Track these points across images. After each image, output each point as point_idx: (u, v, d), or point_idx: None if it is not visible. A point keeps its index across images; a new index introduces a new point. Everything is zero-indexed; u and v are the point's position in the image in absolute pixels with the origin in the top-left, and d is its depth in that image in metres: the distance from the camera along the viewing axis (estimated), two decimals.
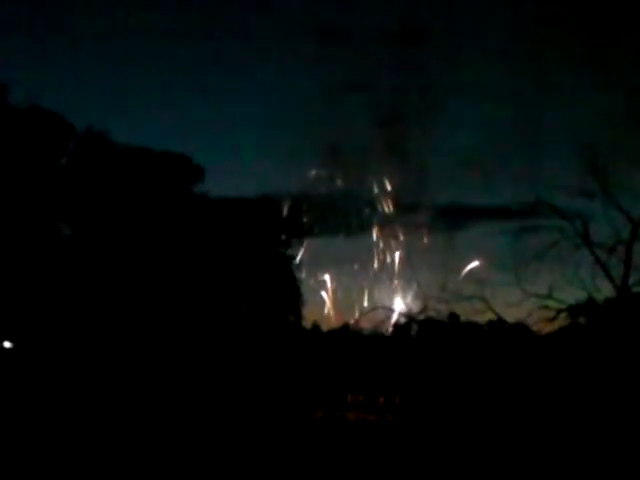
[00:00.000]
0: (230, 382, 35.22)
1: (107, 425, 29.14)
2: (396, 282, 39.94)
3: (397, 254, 40.49)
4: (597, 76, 38.72)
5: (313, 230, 39.92)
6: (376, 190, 40.79)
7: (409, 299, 39.47)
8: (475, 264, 37.28)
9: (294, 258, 40.11)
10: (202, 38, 51.49)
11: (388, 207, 40.78)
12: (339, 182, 40.55)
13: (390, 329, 38.78)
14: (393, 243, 40.64)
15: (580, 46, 39.05)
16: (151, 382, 33.99)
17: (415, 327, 38.62)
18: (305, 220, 40.07)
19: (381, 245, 40.79)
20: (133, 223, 36.25)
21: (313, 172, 40.25)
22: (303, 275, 40.70)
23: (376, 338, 38.28)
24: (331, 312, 39.52)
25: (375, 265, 40.74)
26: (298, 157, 40.24)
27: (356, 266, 40.85)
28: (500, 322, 37.62)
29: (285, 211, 39.28)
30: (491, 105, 41.56)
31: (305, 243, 40.16)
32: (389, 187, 41.14)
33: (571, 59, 38.46)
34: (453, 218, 41.41)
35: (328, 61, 41.74)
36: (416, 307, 39.12)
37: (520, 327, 37.64)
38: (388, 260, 40.72)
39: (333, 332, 40.17)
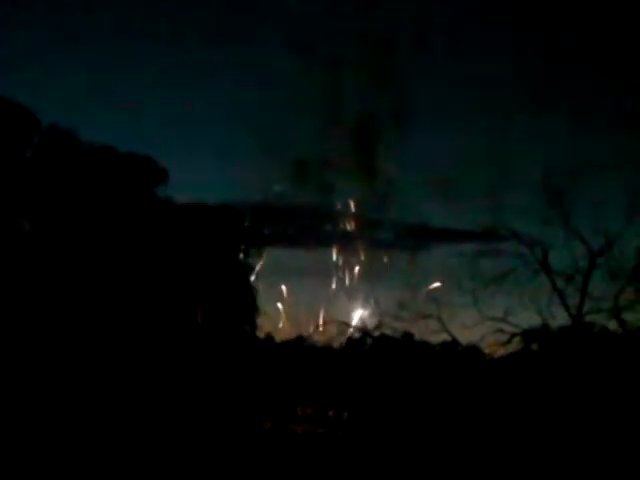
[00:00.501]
0: (179, 389, 35.18)
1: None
2: (353, 298, 39.98)
3: (356, 270, 40.60)
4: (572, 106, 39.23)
5: (273, 241, 39.86)
6: (339, 206, 40.93)
7: (366, 315, 39.66)
8: (436, 285, 37.30)
9: (252, 268, 40.11)
10: (174, 39, 51.00)
11: (350, 224, 40.97)
12: (302, 196, 40.54)
13: (344, 343, 38.81)
14: (353, 260, 40.71)
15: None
16: (96, 386, 33.77)
17: (369, 342, 38.78)
18: (266, 231, 40.08)
19: (341, 261, 40.80)
20: (93, 222, 36.17)
21: (277, 186, 40.26)
22: (260, 286, 40.55)
23: (329, 351, 38.50)
24: (286, 324, 39.63)
25: (334, 280, 40.81)
26: (263, 168, 40.25)
27: (314, 280, 40.99)
28: (454, 343, 38.24)
29: (246, 221, 39.25)
30: (461, 129, 41.74)
31: (264, 254, 40.27)
32: (353, 205, 41.27)
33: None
34: (416, 238, 41.87)
35: (298, 72, 41.48)
36: (372, 323, 39.25)
37: (473, 350, 38.35)
38: (347, 276, 40.73)
39: (286, 344, 40.30)
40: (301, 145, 41.01)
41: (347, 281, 40.54)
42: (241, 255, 39.76)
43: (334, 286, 40.63)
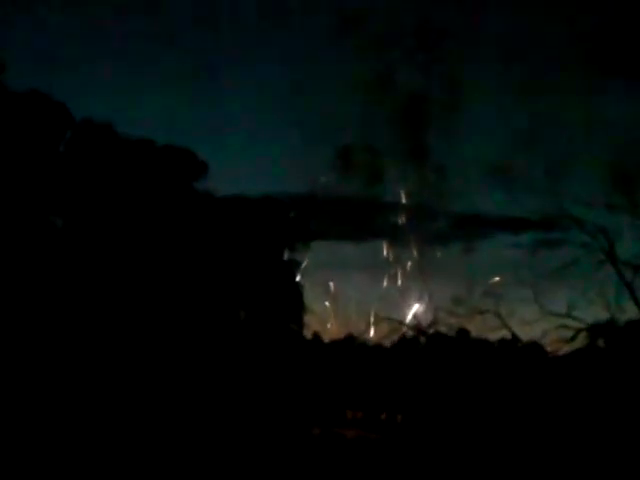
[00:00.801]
0: (225, 393, 33.55)
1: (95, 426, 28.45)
2: (406, 294, 37.87)
3: (409, 264, 38.44)
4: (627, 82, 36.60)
5: (320, 235, 37.90)
6: (389, 197, 38.77)
7: (419, 312, 37.51)
8: (494, 279, 35.12)
9: (298, 264, 38.52)
10: (210, 32, 49.13)
11: (401, 215, 38.83)
12: (351, 187, 38.44)
13: (396, 342, 36.80)
14: (405, 253, 38.57)
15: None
16: (142, 387, 32.67)
17: (423, 341, 36.75)
18: (312, 224, 38.20)
19: (392, 255, 38.66)
20: (130, 218, 34.71)
21: (323, 176, 38.23)
22: (307, 282, 38.99)
23: (381, 351, 36.56)
24: (334, 322, 37.67)
25: (385, 276, 38.71)
26: (308, 157, 38.29)
27: (365, 275, 38.89)
28: (513, 340, 36.06)
29: (291, 214, 37.46)
30: (518, 111, 39.16)
31: (311, 248, 38.56)
32: (403, 195, 39.05)
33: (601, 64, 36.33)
34: (471, 228, 39.49)
35: (344, 58, 39.38)
36: (426, 321, 37.42)
37: (534, 347, 36.12)
38: (399, 271, 38.60)
39: (335, 343, 38.43)
40: (348, 132, 38.78)
41: (399, 276, 38.21)
42: (286, 250, 38.01)
43: (385, 282, 38.43)
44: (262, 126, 50.95)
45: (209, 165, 37.31)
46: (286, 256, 38.50)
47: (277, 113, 47.32)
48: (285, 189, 39.23)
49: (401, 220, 39.27)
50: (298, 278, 38.50)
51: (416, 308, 37.39)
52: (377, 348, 37.49)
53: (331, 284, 38.77)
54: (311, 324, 38.83)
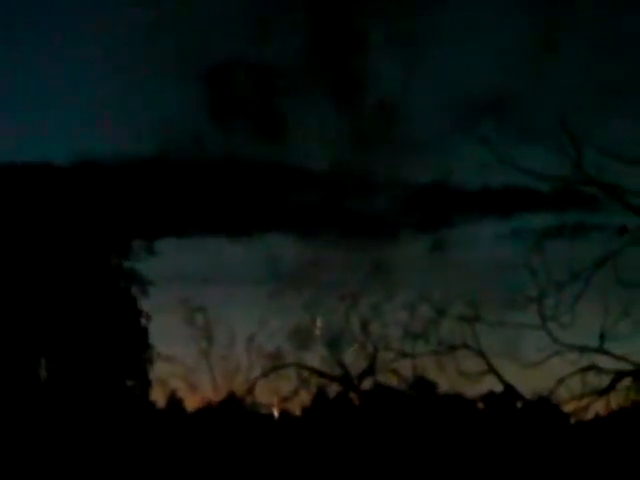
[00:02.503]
0: None
1: None
2: (319, 320, 24.00)
3: (324, 273, 24.81)
4: None
5: (176, 226, 24.25)
6: (299, 160, 25.19)
7: (345, 351, 23.94)
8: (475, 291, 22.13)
9: (137, 275, 24.95)
10: None
11: (317, 191, 25.33)
12: (230, 143, 25.02)
13: (308, 404, 23.65)
14: (322, 252, 25.11)
15: None
16: None
17: (355, 401, 23.48)
18: (162, 208, 24.46)
19: (300, 257, 25.04)
20: None
21: (182, 128, 24.46)
22: (154, 306, 25.12)
23: (283, 422, 22.99)
24: (205, 375, 23.78)
25: (287, 291, 25.04)
26: (160, 94, 25.00)
27: (253, 291, 25.01)
28: (508, 396, 23.16)
29: (124, 191, 23.81)
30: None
31: (159, 249, 24.85)
32: (325, 159, 25.57)
33: None
34: (437, 211, 25.83)
35: None
36: (358, 365, 24.07)
37: (543, 406, 23.64)
38: (311, 282, 25.00)
39: (206, 412, 24.55)
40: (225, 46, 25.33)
41: (310, 292, 24.52)
42: (114, 255, 24.30)
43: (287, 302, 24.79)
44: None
45: None
46: (114, 262, 24.84)
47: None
48: (115, 150, 25.42)
49: (316, 198, 25.66)
50: (137, 300, 25.03)
51: (339, 344, 23.83)
52: (278, 417, 24.03)
53: (197, 308, 24.91)
54: (165, 381, 25.33)
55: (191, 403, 27.19)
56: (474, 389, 25.58)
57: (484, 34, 31.41)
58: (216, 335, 27.01)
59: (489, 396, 25.51)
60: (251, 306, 27.54)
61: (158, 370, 26.94)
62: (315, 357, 25.13)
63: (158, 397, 26.88)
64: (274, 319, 26.24)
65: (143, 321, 26.36)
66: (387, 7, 29.59)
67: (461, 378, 25.79)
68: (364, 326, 24.57)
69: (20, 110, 36.64)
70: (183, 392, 27.62)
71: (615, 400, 23.51)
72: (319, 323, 24.83)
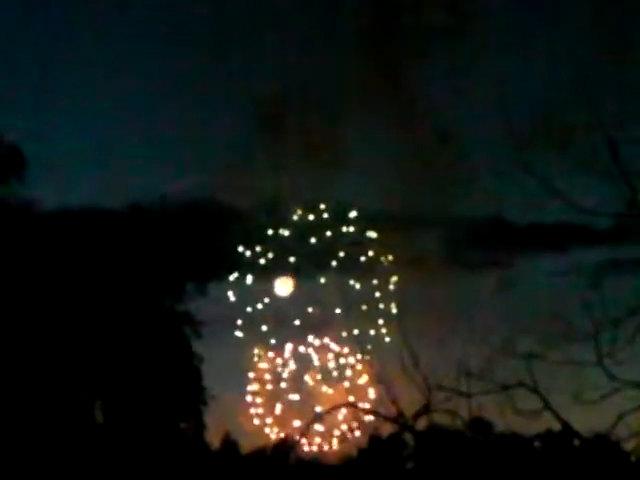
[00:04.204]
0: None
1: None
2: (372, 359, 24.23)
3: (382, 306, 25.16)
4: None
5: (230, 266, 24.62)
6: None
7: (398, 392, 23.96)
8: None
9: (191, 318, 25.13)
10: None
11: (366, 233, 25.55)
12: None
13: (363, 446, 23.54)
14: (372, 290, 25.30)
15: None
16: None
17: (410, 443, 23.42)
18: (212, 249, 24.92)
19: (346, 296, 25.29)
20: None
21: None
22: (209, 350, 25.31)
23: (339, 467, 23.09)
24: (259, 417, 24.06)
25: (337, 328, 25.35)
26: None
27: (308, 333, 25.35)
28: (566, 434, 22.92)
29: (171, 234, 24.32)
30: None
31: (211, 291, 25.04)
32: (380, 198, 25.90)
33: None
34: (491, 246, 26.00)
35: None
36: (412, 406, 23.61)
37: (602, 443, 22.99)
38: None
39: (260, 454, 24.79)
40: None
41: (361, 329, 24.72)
42: (167, 297, 24.70)
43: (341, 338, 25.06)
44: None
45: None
46: (167, 305, 25.23)
47: None
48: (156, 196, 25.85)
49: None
50: (191, 342, 25.29)
51: (392, 385, 23.91)
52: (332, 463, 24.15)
53: (253, 351, 25.22)
54: (219, 422, 25.54)
55: (246, 445, 27.94)
56: (531, 428, 27.10)
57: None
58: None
59: (546, 435, 26.60)
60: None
61: (213, 412, 28.12)
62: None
63: (213, 439, 27.97)
64: None
65: (197, 361, 27.40)
66: None
67: (517, 417, 26.71)
68: (417, 362, 25.53)
69: (71, 155, 37.82)
70: (238, 434, 28.62)
71: None
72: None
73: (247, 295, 30.06)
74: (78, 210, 25.95)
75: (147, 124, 36.39)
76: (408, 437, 26.73)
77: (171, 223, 26.09)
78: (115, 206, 26.24)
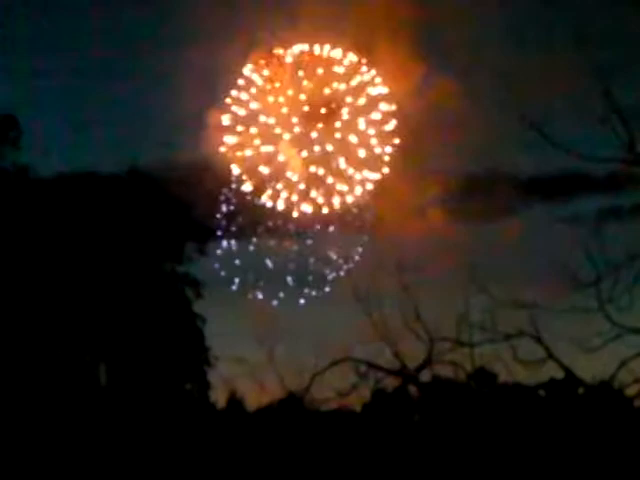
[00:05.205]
0: None
1: None
2: (376, 314, 24.48)
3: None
4: None
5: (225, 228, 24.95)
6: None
7: (402, 344, 24.28)
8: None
9: (193, 279, 25.50)
10: None
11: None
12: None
13: (367, 400, 24.04)
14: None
15: None
16: None
17: (414, 395, 23.85)
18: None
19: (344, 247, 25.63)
20: None
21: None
22: (211, 310, 26.12)
23: (342, 418, 23.46)
24: (267, 375, 24.36)
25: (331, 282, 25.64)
26: None
27: (304, 288, 25.68)
28: (569, 382, 23.27)
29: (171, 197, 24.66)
30: None
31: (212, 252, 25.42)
32: None
33: None
34: (487, 197, 26.35)
35: None
36: (415, 358, 23.96)
37: (606, 391, 23.32)
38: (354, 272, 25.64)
39: (267, 410, 25.19)
40: None
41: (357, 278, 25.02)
42: (168, 260, 25.04)
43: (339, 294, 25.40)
44: None
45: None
46: (168, 267, 25.57)
47: None
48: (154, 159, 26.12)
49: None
50: (193, 304, 25.70)
51: (397, 339, 24.21)
52: (337, 414, 24.51)
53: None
54: (222, 382, 25.96)
55: (251, 402, 28.32)
56: (534, 377, 27.31)
57: None
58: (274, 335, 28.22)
59: (550, 383, 26.57)
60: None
61: (217, 371, 28.45)
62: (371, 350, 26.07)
63: (219, 398, 28.34)
64: None
65: (198, 323, 27.77)
66: None
67: (521, 368, 26.94)
68: (418, 315, 25.74)
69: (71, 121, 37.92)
70: (243, 392, 28.97)
71: None
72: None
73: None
74: (75, 175, 26.50)
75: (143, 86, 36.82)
76: (412, 389, 27.69)
77: (169, 186, 26.64)
78: (114, 170, 26.94)
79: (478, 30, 30.33)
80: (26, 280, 26.31)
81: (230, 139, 27.60)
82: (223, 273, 26.49)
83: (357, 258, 26.36)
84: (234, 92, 28.82)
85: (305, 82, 28.36)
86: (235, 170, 27.63)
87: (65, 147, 32.16)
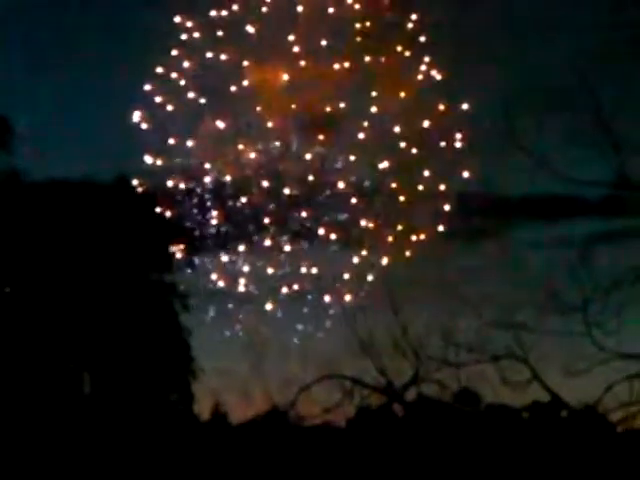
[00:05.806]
0: None
1: None
2: (362, 330, 24.66)
3: (369, 277, 25.54)
4: None
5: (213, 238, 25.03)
6: None
7: (388, 361, 24.46)
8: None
9: (179, 291, 25.71)
10: None
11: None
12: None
13: (351, 416, 24.21)
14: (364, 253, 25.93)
15: None
16: None
17: (399, 412, 23.97)
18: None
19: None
20: None
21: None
22: (198, 320, 25.63)
23: (326, 434, 23.56)
24: (252, 387, 24.51)
25: (326, 297, 25.75)
26: None
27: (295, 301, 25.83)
28: (554, 405, 23.58)
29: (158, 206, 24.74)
30: None
31: (198, 261, 25.53)
32: None
33: None
34: (475, 217, 26.48)
35: None
36: (401, 376, 24.52)
37: (590, 415, 23.70)
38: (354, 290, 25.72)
39: (251, 424, 25.24)
40: None
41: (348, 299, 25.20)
42: (157, 268, 25.16)
43: (328, 305, 25.52)
44: None
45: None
46: (155, 277, 25.68)
47: None
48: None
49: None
50: (180, 312, 25.78)
51: (381, 355, 24.33)
52: (320, 430, 24.57)
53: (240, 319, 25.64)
54: (207, 394, 26.02)
55: (235, 416, 28.36)
56: (519, 399, 27.32)
57: None
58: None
59: (534, 406, 25.43)
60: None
61: (203, 383, 28.49)
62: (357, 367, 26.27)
63: (203, 410, 28.36)
64: None
65: (185, 334, 27.73)
66: None
67: (506, 389, 27.09)
68: (405, 333, 25.85)
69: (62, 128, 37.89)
70: (227, 405, 29.02)
71: None
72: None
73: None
74: (65, 182, 26.47)
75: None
76: (398, 407, 27.79)
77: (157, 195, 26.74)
78: (103, 179, 26.94)
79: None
80: (10, 285, 26.60)
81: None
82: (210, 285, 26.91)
83: (346, 276, 26.58)
84: None
85: None
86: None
87: (58, 154, 32.55)
